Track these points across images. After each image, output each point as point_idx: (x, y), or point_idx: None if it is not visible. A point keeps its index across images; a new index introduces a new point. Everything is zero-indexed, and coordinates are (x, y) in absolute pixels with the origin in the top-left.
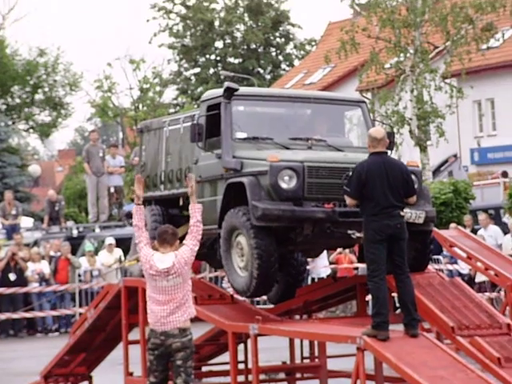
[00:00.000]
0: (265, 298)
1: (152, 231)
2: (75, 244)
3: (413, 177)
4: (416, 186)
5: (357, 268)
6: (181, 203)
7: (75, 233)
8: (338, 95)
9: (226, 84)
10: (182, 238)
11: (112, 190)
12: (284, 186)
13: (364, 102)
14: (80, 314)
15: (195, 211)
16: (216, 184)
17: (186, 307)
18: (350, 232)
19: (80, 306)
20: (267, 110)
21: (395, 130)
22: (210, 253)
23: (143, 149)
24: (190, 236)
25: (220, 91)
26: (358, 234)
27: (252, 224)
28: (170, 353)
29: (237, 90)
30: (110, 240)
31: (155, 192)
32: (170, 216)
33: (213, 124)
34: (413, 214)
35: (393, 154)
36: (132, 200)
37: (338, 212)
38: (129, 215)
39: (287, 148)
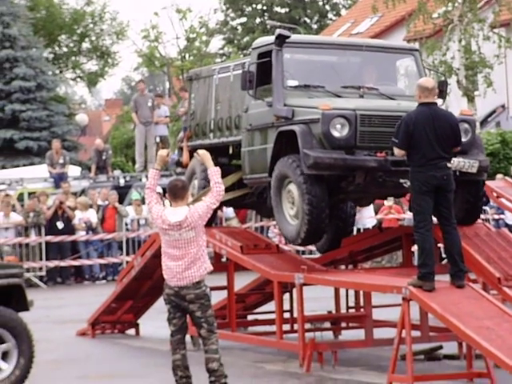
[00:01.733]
0: (310, 248)
1: (202, 181)
2: (122, 193)
3: (466, 125)
4: (469, 135)
5: (403, 219)
6: (230, 152)
7: (122, 182)
8: (391, 43)
9: (278, 31)
10: (230, 188)
11: (158, 139)
12: (336, 134)
13: (417, 50)
14: (127, 262)
15: (212, 174)
16: (266, 132)
17: (202, 262)
18: (402, 181)
19: (127, 254)
20: (319, 57)
21: None
22: (259, 201)
23: (192, 97)
24: (210, 194)
25: (271, 38)
26: (409, 183)
27: (303, 172)
28: (186, 304)
29: (289, 37)
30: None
31: (204, 140)
32: (220, 164)
33: (264, 72)
34: (466, 163)
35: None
36: (180, 149)
37: (390, 161)
38: (178, 163)
39: (339, 96)
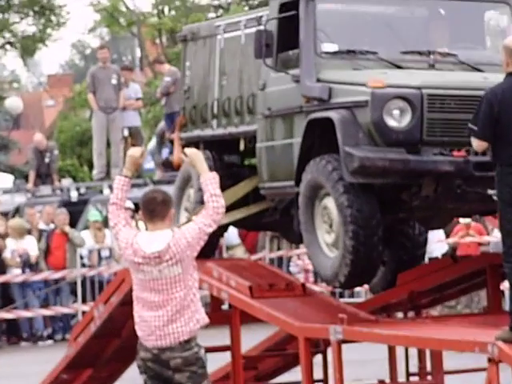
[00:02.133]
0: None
1: (198, 193)
2: (75, 212)
3: None
4: None
5: (487, 243)
6: (242, 147)
7: (75, 196)
8: None
9: None
10: (242, 201)
11: (126, 132)
12: (393, 124)
13: None
14: (83, 313)
15: (207, 183)
16: (292, 120)
17: (192, 311)
18: (491, 192)
19: (83, 301)
20: (368, 10)
21: None
22: (283, 221)
23: (187, 66)
24: (204, 213)
25: None
26: (496, 191)
27: (345, 181)
28: (169, 374)
29: None
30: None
31: (205, 130)
32: (227, 165)
33: (288, 31)
34: None
35: None
36: (171, 142)
37: (474, 162)
38: (165, 164)
39: (398, 67)
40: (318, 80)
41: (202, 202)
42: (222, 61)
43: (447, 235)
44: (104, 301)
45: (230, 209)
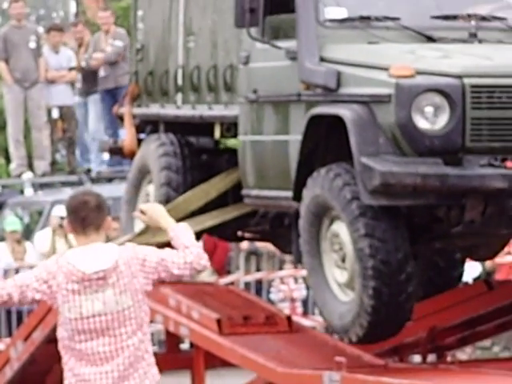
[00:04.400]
0: None
1: (163, 187)
2: None
3: None
4: None
5: None
6: (217, 135)
7: None
8: None
9: None
10: (218, 201)
11: (55, 114)
12: (426, 126)
13: None
14: None
15: (178, 237)
16: (287, 111)
17: (148, 365)
18: None
19: None
20: None
21: None
22: (276, 230)
23: (140, 16)
24: (178, 254)
25: None
26: None
27: (361, 201)
28: None
29: None
30: (60, 211)
31: (166, 107)
32: (197, 151)
33: None
34: None
35: None
36: (121, 119)
37: None
38: (112, 150)
39: (428, 38)
40: (322, 59)
41: (166, 202)
42: (188, 15)
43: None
44: (24, 337)
45: (200, 212)
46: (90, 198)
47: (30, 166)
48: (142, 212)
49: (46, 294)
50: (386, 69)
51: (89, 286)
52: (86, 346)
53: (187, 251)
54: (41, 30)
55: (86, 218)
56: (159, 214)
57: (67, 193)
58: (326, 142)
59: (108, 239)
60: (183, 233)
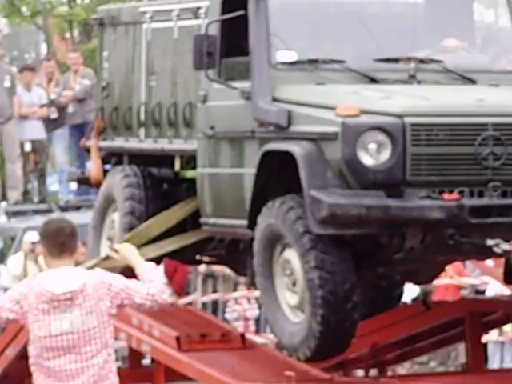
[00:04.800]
0: None
1: (127, 216)
2: None
3: None
4: None
5: (467, 286)
6: (177, 167)
7: None
8: None
9: None
10: (178, 228)
11: (28, 147)
12: (369, 161)
13: None
14: None
15: (144, 272)
16: (242, 147)
17: (112, 382)
18: (490, 243)
19: None
20: (333, 6)
21: None
22: (232, 255)
23: (105, 56)
24: (143, 285)
25: None
26: (505, 246)
27: (311, 232)
28: None
29: None
30: (31, 237)
31: (130, 141)
32: (158, 182)
33: (234, 33)
34: None
35: None
36: (87, 151)
37: (469, 207)
38: (80, 180)
39: (371, 79)
40: (274, 99)
41: (130, 229)
42: (150, 56)
43: None
44: None
45: (161, 238)
46: (65, 225)
47: (4, 196)
48: (115, 250)
49: (19, 314)
50: (332, 108)
51: (57, 306)
52: (54, 363)
53: (151, 284)
54: (14, 70)
55: (64, 243)
56: (130, 252)
57: (38, 220)
58: (277, 175)
59: (76, 263)
60: (150, 270)
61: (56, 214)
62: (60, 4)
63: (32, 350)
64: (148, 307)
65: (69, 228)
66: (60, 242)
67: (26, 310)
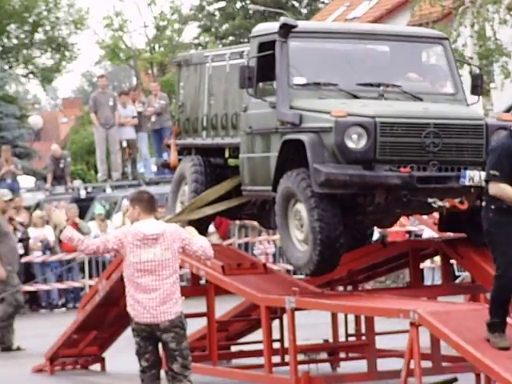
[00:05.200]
0: None
1: (193, 184)
2: (83, 206)
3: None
4: None
5: (409, 232)
6: (226, 155)
7: (83, 193)
8: (417, 30)
9: (283, 20)
10: (225, 195)
11: (124, 144)
12: (352, 145)
13: (447, 38)
14: (90, 286)
15: (198, 241)
16: (269, 138)
17: (177, 297)
18: (430, 200)
19: (90, 277)
20: (331, 49)
21: None
22: (261, 213)
23: (181, 86)
24: (203, 244)
25: (274, 27)
26: (439, 203)
27: (313, 191)
28: (158, 334)
29: (295, 26)
30: (126, 202)
31: (196, 139)
32: (214, 166)
33: (266, 66)
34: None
35: None
36: (169, 147)
37: (417, 177)
38: (164, 165)
39: (355, 96)
40: (291, 107)
41: (195, 192)
42: (210, 84)
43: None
44: (106, 277)
45: (215, 202)
46: (152, 194)
47: (109, 175)
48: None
49: (119, 246)
50: (328, 112)
51: (146, 243)
52: (141, 280)
53: (205, 245)
54: (115, 94)
55: (153, 205)
56: (193, 230)
57: (131, 191)
58: (292, 156)
59: (156, 218)
60: (202, 239)
61: (143, 187)
62: (145, 51)
63: (126, 271)
64: (199, 255)
65: (152, 196)
66: (152, 203)
67: (125, 245)
